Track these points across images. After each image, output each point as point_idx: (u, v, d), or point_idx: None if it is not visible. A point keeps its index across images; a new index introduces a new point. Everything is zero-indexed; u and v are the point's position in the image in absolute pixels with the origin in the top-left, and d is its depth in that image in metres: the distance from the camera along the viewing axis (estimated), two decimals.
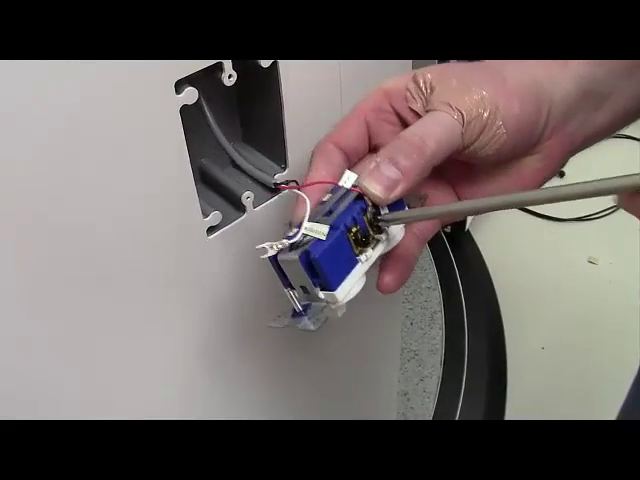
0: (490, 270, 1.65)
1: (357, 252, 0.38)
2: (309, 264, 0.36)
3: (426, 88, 0.41)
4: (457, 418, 1.30)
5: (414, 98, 0.41)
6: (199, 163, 0.53)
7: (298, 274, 0.37)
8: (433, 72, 0.41)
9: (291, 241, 0.37)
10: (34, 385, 0.44)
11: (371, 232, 0.38)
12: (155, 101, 0.40)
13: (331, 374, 0.78)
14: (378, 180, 0.38)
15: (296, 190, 0.40)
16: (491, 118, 0.39)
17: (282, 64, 0.46)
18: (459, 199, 0.45)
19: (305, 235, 0.37)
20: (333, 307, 0.38)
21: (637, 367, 0.59)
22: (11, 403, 0.44)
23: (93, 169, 0.39)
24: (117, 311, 0.46)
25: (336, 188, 0.40)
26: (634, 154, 1.87)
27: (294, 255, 0.37)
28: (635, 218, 0.31)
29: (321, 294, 0.37)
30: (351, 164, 0.43)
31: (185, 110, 0.42)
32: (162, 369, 0.53)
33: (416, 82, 0.41)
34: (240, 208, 0.51)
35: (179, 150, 0.44)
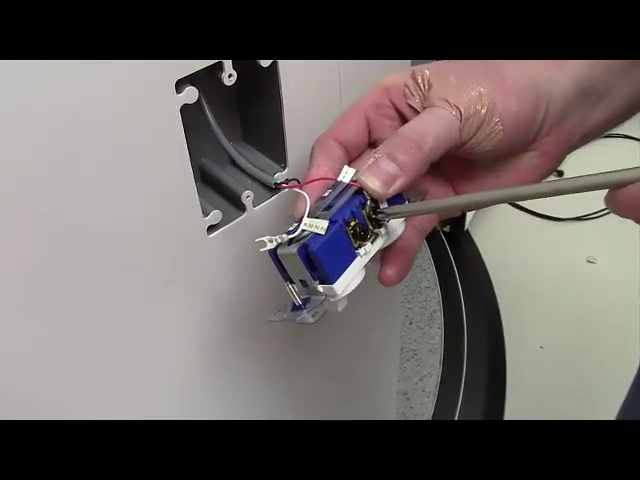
0: (489, 269, 1.65)
1: (356, 246, 0.38)
2: (307, 257, 0.37)
3: (424, 85, 0.41)
4: (456, 418, 1.30)
5: (413, 94, 0.42)
6: (199, 162, 0.53)
7: (297, 268, 0.38)
8: (431, 69, 0.42)
9: (290, 236, 0.38)
10: (34, 385, 0.44)
11: (370, 226, 0.39)
12: (156, 100, 0.40)
13: (331, 373, 0.78)
14: (377, 175, 0.38)
15: (296, 189, 0.40)
16: (488, 115, 0.39)
17: (282, 64, 0.46)
18: (457, 195, 0.45)
19: (304, 230, 0.37)
20: (332, 300, 0.39)
21: (636, 366, 0.59)
22: (11, 403, 0.44)
23: (93, 169, 0.39)
24: (117, 310, 0.46)
25: (336, 183, 0.40)
26: (632, 154, 1.87)
27: (293, 249, 0.37)
28: None
29: (320, 287, 0.38)
30: (351, 159, 0.43)
31: (185, 109, 0.42)
32: (162, 368, 0.54)
33: (414, 79, 0.42)
34: (240, 207, 0.51)
35: (179, 149, 0.44)
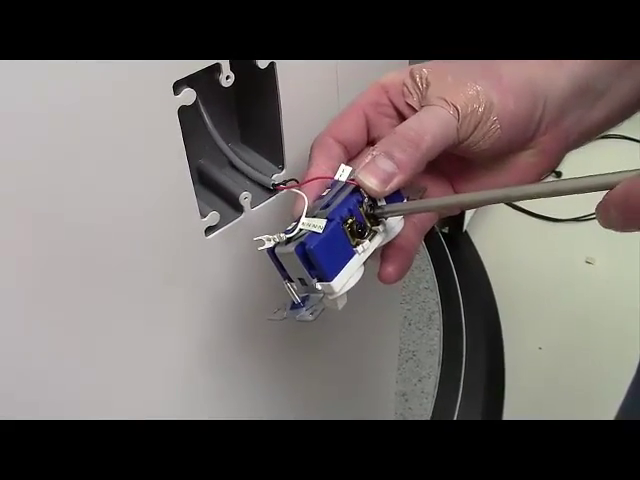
0: (488, 270, 1.65)
1: (354, 243, 0.38)
2: (305, 256, 0.37)
3: (422, 83, 0.41)
4: (455, 419, 1.30)
5: (411, 93, 0.42)
6: (197, 164, 0.53)
7: (295, 266, 0.38)
8: (429, 67, 0.42)
9: (288, 235, 0.38)
10: (34, 385, 0.44)
11: (368, 224, 0.39)
12: (153, 102, 0.41)
13: (329, 374, 0.78)
14: (374, 173, 0.38)
15: (294, 189, 0.40)
16: (486, 113, 0.39)
17: (280, 65, 0.46)
18: (455, 193, 0.45)
19: (302, 229, 0.38)
20: (331, 298, 0.39)
21: (635, 367, 0.59)
22: (11, 403, 0.44)
23: (91, 170, 0.40)
24: (117, 311, 0.46)
25: (335, 182, 0.40)
26: (631, 154, 1.87)
27: (290, 247, 0.37)
28: None
29: (318, 285, 0.38)
30: (350, 157, 0.43)
31: (183, 111, 0.42)
32: (162, 368, 0.54)
33: (413, 77, 0.42)
34: (238, 208, 0.51)
35: (177, 151, 0.44)
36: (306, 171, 0.42)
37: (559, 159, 0.44)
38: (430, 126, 0.39)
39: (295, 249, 0.37)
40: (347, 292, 0.39)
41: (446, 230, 1.74)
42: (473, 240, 1.74)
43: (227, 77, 0.44)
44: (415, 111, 0.41)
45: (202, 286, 0.52)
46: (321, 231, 0.37)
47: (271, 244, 0.39)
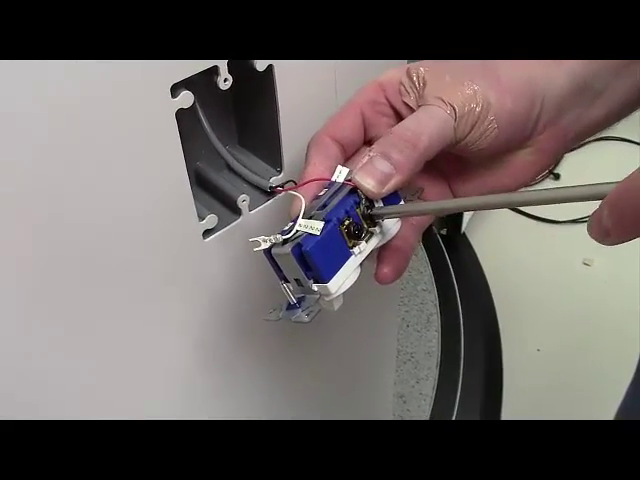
0: (486, 272, 1.65)
1: (350, 245, 0.38)
2: (301, 257, 0.37)
3: (419, 82, 0.41)
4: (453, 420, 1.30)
5: (408, 92, 0.42)
6: (195, 166, 0.53)
7: (291, 267, 0.38)
8: (427, 66, 0.42)
9: (284, 236, 0.38)
10: (34, 385, 0.44)
11: (365, 225, 0.39)
12: (151, 104, 0.40)
13: (327, 376, 0.78)
14: (371, 174, 0.38)
15: (291, 191, 0.40)
16: (483, 113, 0.39)
17: (277, 68, 0.46)
18: (453, 193, 0.46)
19: (299, 230, 0.38)
20: (327, 299, 0.39)
21: (634, 368, 0.59)
22: (11, 403, 0.44)
23: (89, 172, 0.40)
24: (116, 311, 0.46)
25: (332, 182, 0.40)
26: (630, 157, 1.88)
27: (287, 248, 0.37)
28: None
29: (314, 286, 0.38)
30: (347, 156, 0.43)
31: (181, 114, 0.42)
32: (162, 368, 0.54)
33: (410, 76, 0.42)
34: (236, 211, 0.51)
35: (175, 154, 0.44)
36: (303, 170, 0.42)
37: (557, 158, 0.44)
38: (427, 126, 0.39)
39: (291, 250, 0.37)
40: (344, 293, 0.39)
41: (444, 232, 1.74)
42: (471, 242, 1.74)
43: (225, 80, 0.44)
44: (412, 110, 0.41)
45: (200, 288, 0.52)
46: (318, 233, 0.37)
47: (267, 245, 0.39)
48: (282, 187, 0.47)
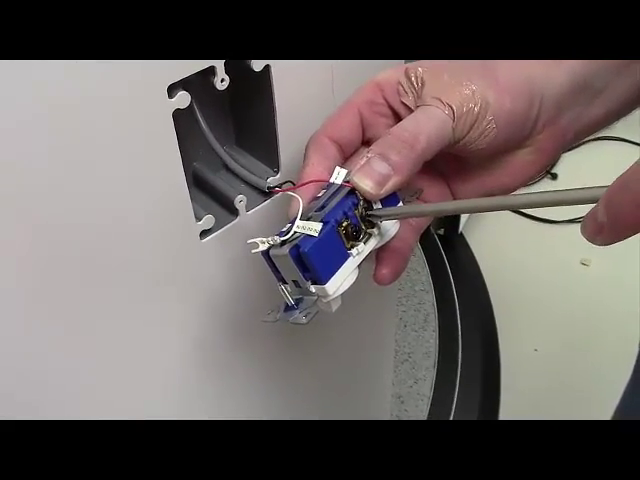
0: (483, 272, 1.65)
1: (348, 246, 0.38)
2: (299, 258, 0.37)
3: (417, 82, 0.41)
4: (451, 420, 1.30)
5: (406, 92, 0.42)
6: (192, 167, 0.53)
7: (289, 268, 0.38)
8: (425, 66, 0.41)
9: (282, 238, 0.38)
10: (33, 385, 0.44)
11: (363, 227, 0.39)
12: (148, 105, 0.40)
13: (325, 376, 0.78)
14: (369, 175, 0.38)
15: (289, 192, 0.40)
16: (481, 113, 0.39)
17: (274, 68, 0.46)
18: (452, 193, 0.45)
19: (297, 232, 0.38)
20: (325, 301, 0.39)
21: (631, 368, 0.59)
22: (11, 403, 0.44)
23: (85, 172, 0.39)
24: (115, 311, 0.46)
25: (331, 183, 0.40)
26: (628, 157, 1.87)
27: (284, 250, 0.37)
28: None
29: (312, 288, 0.38)
30: (346, 156, 0.43)
31: (178, 114, 0.42)
32: (161, 368, 0.54)
33: (408, 76, 0.41)
34: (233, 212, 0.51)
35: (172, 154, 0.44)
36: (301, 170, 0.42)
37: (556, 157, 0.44)
38: (425, 127, 0.39)
39: (289, 252, 0.37)
40: (342, 294, 0.39)
41: (442, 232, 1.74)
42: (469, 242, 1.74)
43: (222, 80, 0.44)
44: (411, 111, 0.41)
45: (198, 288, 0.52)
46: (316, 234, 0.37)
47: (265, 247, 0.39)
48: (280, 187, 0.47)
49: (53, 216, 0.39)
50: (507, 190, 0.44)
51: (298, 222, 0.38)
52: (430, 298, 1.55)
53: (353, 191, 0.39)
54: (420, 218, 0.44)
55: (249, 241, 0.39)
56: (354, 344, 0.79)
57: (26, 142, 0.36)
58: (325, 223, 0.37)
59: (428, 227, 0.46)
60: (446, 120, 0.39)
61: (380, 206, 0.39)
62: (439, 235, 1.73)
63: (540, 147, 0.42)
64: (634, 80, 0.42)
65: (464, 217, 1.73)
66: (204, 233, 0.49)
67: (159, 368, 0.54)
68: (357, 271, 0.39)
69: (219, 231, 0.50)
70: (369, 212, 0.39)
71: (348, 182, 0.39)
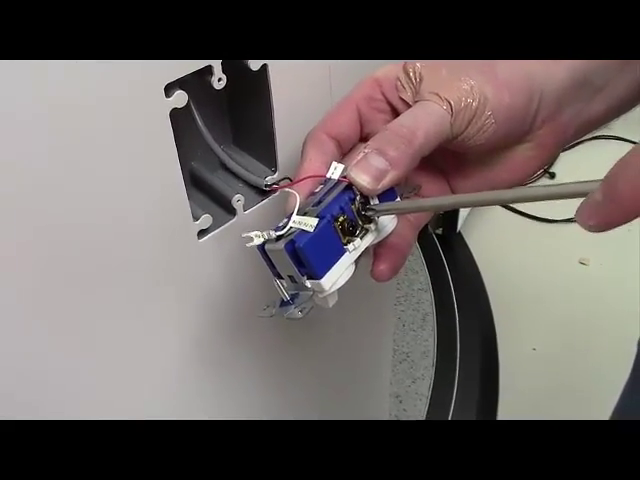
0: (481, 271, 1.65)
1: (344, 241, 0.38)
2: (294, 253, 0.37)
3: (416, 78, 0.41)
4: (449, 419, 1.30)
5: (404, 88, 0.42)
6: (189, 166, 0.53)
7: (285, 263, 0.38)
8: (423, 62, 0.41)
9: (278, 232, 0.38)
10: (33, 385, 0.44)
11: (360, 222, 0.39)
12: (145, 105, 0.40)
13: (323, 376, 0.78)
14: (366, 170, 0.38)
15: (286, 189, 0.40)
16: (480, 108, 0.39)
17: (272, 67, 0.46)
18: (452, 189, 0.45)
19: (293, 227, 0.38)
20: (321, 296, 0.39)
21: (630, 367, 0.59)
22: (11, 403, 0.44)
23: (83, 172, 0.39)
24: (114, 311, 0.46)
25: (328, 178, 0.40)
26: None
27: (280, 245, 0.37)
28: None
29: (308, 283, 0.38)
30: (344, 152, 0.43)
31: (175, 113, 0.42)
32: (160, 368, 0.54)
33: (406, 72, 0.41)
34: (230, 211, 0.51)
35: (169, 153, 0.43)
36: (299, 166, 0.42)
37: (556, 153, 0.44)
38: (423, 122, 0.39)
39: (285, 247, 0.37)
40: (340, 292, 0.39)
41: (440, 231, 1.74)
42: (467, 241, 1.74)
43: (219, 79, 0.44)
44: (409, 106, 0.41)
45: (196, 288, 0.52)
46: (312, 229, 0.37)
47: (260, 241, 0.38)
48: (277, 184, 0.47)
49: (52, 216, 0.39)
50: (507, 186, 0.44)
51: (294, 217, 0.38)
52: (428, 298, 1.55)
53: (350, 186, 0.38)
54: (419, 215, 0.44)
55: (244, 235, 0.39)
56: (352, 343, 0.79)
57: (26, 142, 0.36)
58: (321, 218, 0.37)
59: (426, 226, 0.46)
60: (444, 115, 0.39)
61: (377, 201, 0.39)
62: (437, 234, 1.73)
63: (540, 143, 0.42)
64: (635, 77, 0.42)
65: (462, 216, 1.73)
66: (202, 233, 0.49)
67: (158, 367, 0.54)
68: (354, 267, 0.39)
69: (217, 231, 0.50)
70: (366, 207, 0.39)
71: (345, 177, 0.39)
